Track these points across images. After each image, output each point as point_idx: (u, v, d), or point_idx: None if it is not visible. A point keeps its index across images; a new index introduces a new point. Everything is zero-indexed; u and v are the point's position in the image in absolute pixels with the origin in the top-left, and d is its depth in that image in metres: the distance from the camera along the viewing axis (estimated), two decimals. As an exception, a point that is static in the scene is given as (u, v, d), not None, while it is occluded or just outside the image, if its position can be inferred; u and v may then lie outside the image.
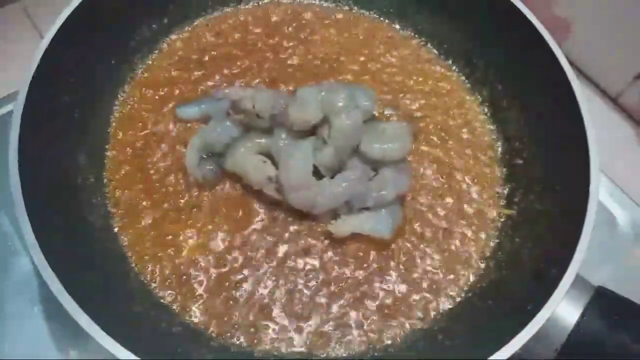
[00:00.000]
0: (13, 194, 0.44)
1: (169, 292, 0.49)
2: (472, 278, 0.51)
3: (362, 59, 0.64)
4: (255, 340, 0.48)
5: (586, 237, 0.45)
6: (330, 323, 0.48)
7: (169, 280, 0.50)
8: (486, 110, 0.61)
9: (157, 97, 0.59)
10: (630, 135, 0.71)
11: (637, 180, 0.66)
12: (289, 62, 0.62)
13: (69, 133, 0.52)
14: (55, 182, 0.49)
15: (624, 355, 0.41)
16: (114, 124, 0.57)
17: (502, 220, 0.55)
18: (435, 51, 0.65)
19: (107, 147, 0.56)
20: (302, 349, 0.47)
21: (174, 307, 0.48)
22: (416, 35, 0.66)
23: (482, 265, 0.52)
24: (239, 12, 0.66)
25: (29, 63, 0.50)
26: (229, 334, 0.47)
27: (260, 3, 0.67)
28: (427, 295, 0.51)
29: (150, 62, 0.61)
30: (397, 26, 0.66)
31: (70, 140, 0.52)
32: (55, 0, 0.54)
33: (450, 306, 0.50)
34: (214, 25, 0.65)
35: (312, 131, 0.52)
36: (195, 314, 0.48)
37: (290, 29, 0.65)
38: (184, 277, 0.50)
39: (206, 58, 0.62)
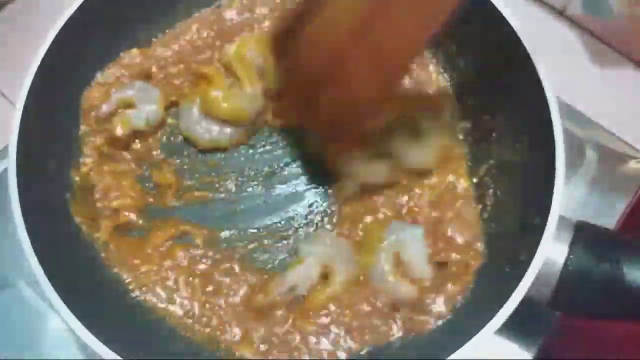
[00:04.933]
0: (30, 260, 0.46)
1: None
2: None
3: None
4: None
5: (560, 177, 0.49)
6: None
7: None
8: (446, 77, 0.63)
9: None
10: (579, 48, 0.74)
11: (593, 98, 0.70)
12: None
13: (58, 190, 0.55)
14: (64, 246, 0.52)
15: (609, 284, 0.46)
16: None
17: (479, 176, 0.58)
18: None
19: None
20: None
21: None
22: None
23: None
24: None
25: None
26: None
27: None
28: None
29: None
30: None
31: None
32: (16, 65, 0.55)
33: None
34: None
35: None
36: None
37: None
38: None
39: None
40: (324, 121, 0.51)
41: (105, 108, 0.58)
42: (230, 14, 0.65)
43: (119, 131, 0.57)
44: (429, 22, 0.44)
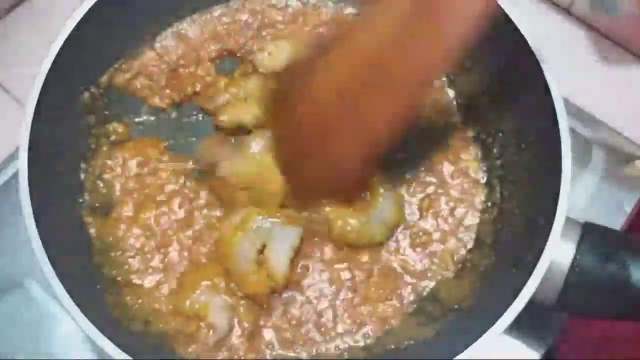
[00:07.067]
0: (41, 261, 0.47)
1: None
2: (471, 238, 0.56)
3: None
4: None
5: (567, 178, 0.49)
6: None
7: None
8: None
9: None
10: (586, 47, 0.73)
11: (599, 97, 0.69)
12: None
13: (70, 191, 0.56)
14: (72, 245, 0.53)
15: (615, 284, 0.46)
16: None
17: (485, 176, 0.59)
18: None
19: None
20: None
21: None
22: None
23: (478, 224, 0.57)
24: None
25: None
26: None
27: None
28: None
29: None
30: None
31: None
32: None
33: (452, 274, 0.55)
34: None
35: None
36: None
37: None
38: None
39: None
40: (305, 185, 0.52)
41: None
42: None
43: None
44: (411, 99, 0.45)
